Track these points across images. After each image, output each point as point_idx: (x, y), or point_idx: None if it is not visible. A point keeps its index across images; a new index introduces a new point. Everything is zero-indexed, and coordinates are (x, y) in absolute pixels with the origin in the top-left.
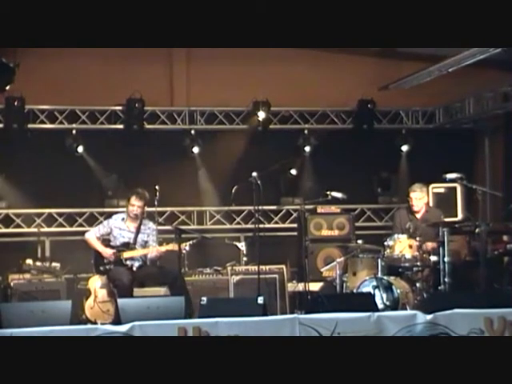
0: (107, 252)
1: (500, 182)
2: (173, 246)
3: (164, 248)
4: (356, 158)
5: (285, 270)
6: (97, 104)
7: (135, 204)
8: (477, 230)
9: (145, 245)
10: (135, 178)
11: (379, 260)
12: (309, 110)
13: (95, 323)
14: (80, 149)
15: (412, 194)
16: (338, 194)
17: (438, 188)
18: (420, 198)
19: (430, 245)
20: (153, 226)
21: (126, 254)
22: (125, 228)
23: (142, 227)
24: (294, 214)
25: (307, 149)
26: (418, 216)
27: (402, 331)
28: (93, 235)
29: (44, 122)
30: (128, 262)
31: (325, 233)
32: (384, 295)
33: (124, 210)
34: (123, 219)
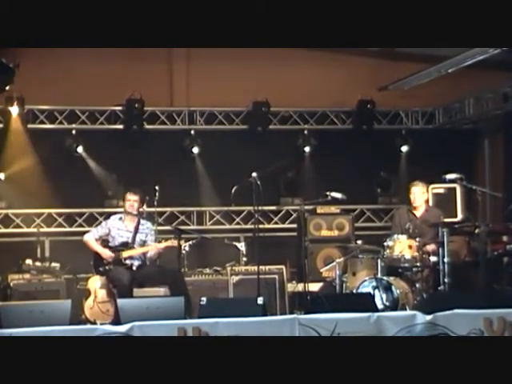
0: (106, 253)
1: (500, 182)
2: (171, 242)
3: (163, 245)
4: (356, 158)
5: (284, 270)
6: (96, 104)
7: (131, 199)
8: (476, 231)
9: (143, 244)
10: (135, 178)
11: (379, 260)
12: (308, 111)
13: (95, 323)
14: (80, 149)
15: (413, 189)
16: (338, 195)
17: (438, 188)
18: (422, 193)
19: (429, 247)
20: (151, 226)
21: (125, 254)
22: (123, 228)
23: (140, 227)
24: (294, 215)
25: (307, 149)
26: (418, 214)
27: (402, 332)
28: (91, 237)
29: (44, 122)
30: (127, 262)
31: (324, 233)
32: (384, 295)
33: (122, 210)
34: (121, 218)
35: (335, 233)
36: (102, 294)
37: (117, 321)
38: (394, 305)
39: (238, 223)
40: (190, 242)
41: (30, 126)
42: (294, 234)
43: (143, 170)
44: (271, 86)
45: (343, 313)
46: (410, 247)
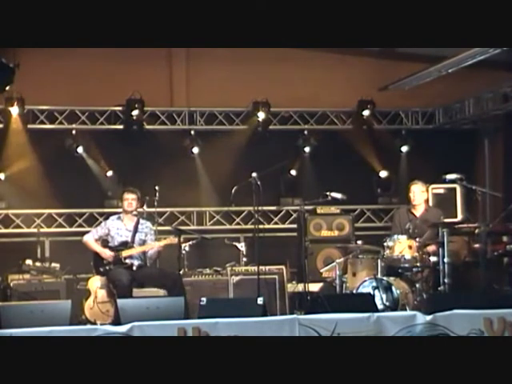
0: (106, 253)
1: (500, 182)
2: (171, 240)
3: (163, 243)
4: (356, 158)
5: (284, 270)
6: (96, 104)
7: (128, 197)
8: (476, 231)
9: (143, 244)
10: (135, 178)
11: (379, 261)
12: (308, 111)
13: (95, 324)
14: (80, 149)
15: (413, 187)
16: (338, 195)
17: (438, 189)
18: (421, 192)
19: (429, 248)
20: (150, 226)
21: (125, 253)
22: (122, 227)
23: (140, 226)
24: (294, 215)
25: (307, 149)
26: (418, 214)
27: (402, 332)
28: (91, 238)
29: (44, 123)
30: (127, 261)
31: (324, 233)
32: (384, 296)
33: (121, 210)
34: (119, 218)
35: (335, 233)
36: (102, 294)
37: (117, 321)
38: (394, 305)
39: (238, 223)
40: (190, 242)
41: (29, 126)
42: (294, 234)
43: (143, 171)
44: (271, 86)
45: (343, 313)
46: (410, 247)
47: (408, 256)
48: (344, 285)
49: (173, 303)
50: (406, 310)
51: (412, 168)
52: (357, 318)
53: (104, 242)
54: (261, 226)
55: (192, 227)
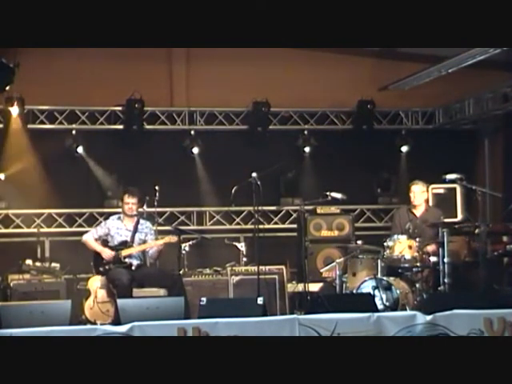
0: (106, 252)
1: (500, 182)
2: (170, 239)
3: (162, 241)
4: (356, 158)
5: (284, 270)
6: (97, 104)
7: (129, 202)
8: (476, 231)
9: (143, 244)
10: (135, 178)
11: (379, 261)
12: (308, 111)
13: (95, 324)
14: (80, 149)
15: (414, 187)
16: (338, 195)
17: (438, 189)
18: (422, 192)
19: (429, 248)
20: (150, 226)
21: (124, 252)
22: (122, 227)
23: (140, 226)
24: (294, 215)
25: (307, 149)
26: (418, 214)
27: (402, 332)
28: (90, 237)
29: (44, 123)
30: (127, 260)
31: (324, 233)
32: (384, 296)
33: (121, 210)
34: (119, 218)
35: (335, 233)
36: (102, 294)
37: (117, 321)
38: (394, 305)
39: (238, 223)
40: (190, 242)
41: (30, 126)
42: (294, 234)
43: (143, 170)
44: (271, 85)
45: (343, 313)
46: (410, 247)
47: (408, 256)
48: (344, 285)
49: (173, 303)
50: (406, 309)
51: (412, 168)
52: (357, 318)
53: (104, 242)
54: (261, 226)
55: (192, 227)
